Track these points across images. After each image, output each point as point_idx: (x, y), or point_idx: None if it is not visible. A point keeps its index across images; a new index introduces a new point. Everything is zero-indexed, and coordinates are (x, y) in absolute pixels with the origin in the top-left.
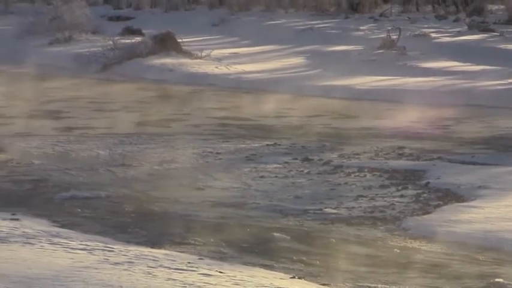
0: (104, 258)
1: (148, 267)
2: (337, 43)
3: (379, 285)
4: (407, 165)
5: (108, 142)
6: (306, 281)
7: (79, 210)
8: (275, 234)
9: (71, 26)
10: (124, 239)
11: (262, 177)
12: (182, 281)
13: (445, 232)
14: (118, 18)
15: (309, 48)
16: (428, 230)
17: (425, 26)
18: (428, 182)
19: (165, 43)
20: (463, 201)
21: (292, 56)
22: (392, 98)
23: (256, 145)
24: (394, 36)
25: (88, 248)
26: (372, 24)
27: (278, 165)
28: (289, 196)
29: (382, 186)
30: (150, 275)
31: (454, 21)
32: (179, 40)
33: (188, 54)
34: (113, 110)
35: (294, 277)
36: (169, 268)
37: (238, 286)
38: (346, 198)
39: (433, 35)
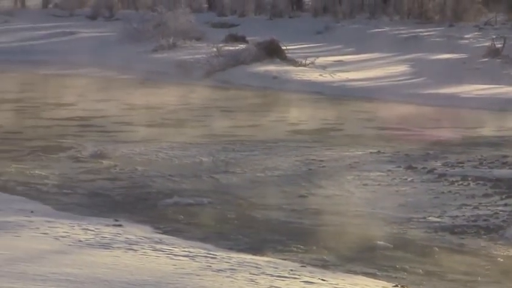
0: (207, 265)
1: (250, 274)
2: (442, 51)
3: None
4: None
5: (212, 149)
6: None
7: (182, 216)
8: (378, 242)
9: (175, 32)
10: (226, 246)
11: (365, 185)
12: None
13: None
14: (222, 25)
15: (413, 56)
16: None
17: None
18: None
19: (269, 50)
20: None
21: (396, 64)
22: (497, 106)
23: (360, 153)
24: (499, 45)
25: (190, 254)
26: (476, 33)
27: (381, 173)
28: (393, 204)
29: (486, 195)
30: (252, 282)
31: None
32: (283, 47)
33: (292, 61)
34: (221, 116)
35: (396, 285)
36: (272, 275)
37: None
38: (450, 207)
39: None
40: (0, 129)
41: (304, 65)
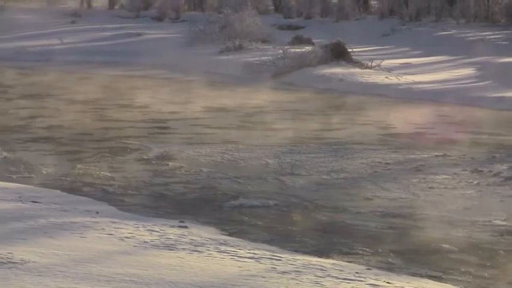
0: (271, 267)
1: (315, 276)
2: (508, 54)
3: None
4: None
5: (277, 151)
6: None
7: (247, 218)
8: (443, 245)
9: (241, 34)
10: (291, 248)
11: (431, 188)
12: None
13: None
14: (288, 27)
15: (479, 60)
16: None
17: None
18: None
19: (335, 52)
20: None
21: (462, 66)
22: None
23: (425, 156)
24: None
25: (256, 256)
26: None
27: (447, 176)
28: (458, 207)
29: None
30: (317, 285)
31: None
32: (349, 50)
33: (358, 64)
34: (288, 118)
35: None
36: (337, 278)
37: None
38: None
39: None
40: (70, 131)
41: (370, 68)
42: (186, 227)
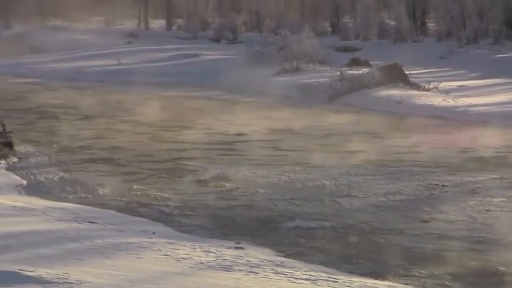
0: None
1: None
2: None
3: None
4: None
5: (334, 172)
6: None
7: (303, 240)
8: (500, 267)
9: (298, 56)
10: (348, 270)
11: (487, 210)
12: None
13: None
14: (345, 49)
15: None
16: None
17: None
18: None
19: (393, 74)
20: None
21: None
22: None
23: (482, 178)
24: None
25: (312, 278)
26: None
27: (504, 199)
28: None
29: None
30: None
31: None
32: (406, 72)
33: (415, 86)
34: (353, 140)
35: None
36: None
37: None
38: None
39: None
40: (130, 152)
41: (427, 90)
42: (242, 248)
